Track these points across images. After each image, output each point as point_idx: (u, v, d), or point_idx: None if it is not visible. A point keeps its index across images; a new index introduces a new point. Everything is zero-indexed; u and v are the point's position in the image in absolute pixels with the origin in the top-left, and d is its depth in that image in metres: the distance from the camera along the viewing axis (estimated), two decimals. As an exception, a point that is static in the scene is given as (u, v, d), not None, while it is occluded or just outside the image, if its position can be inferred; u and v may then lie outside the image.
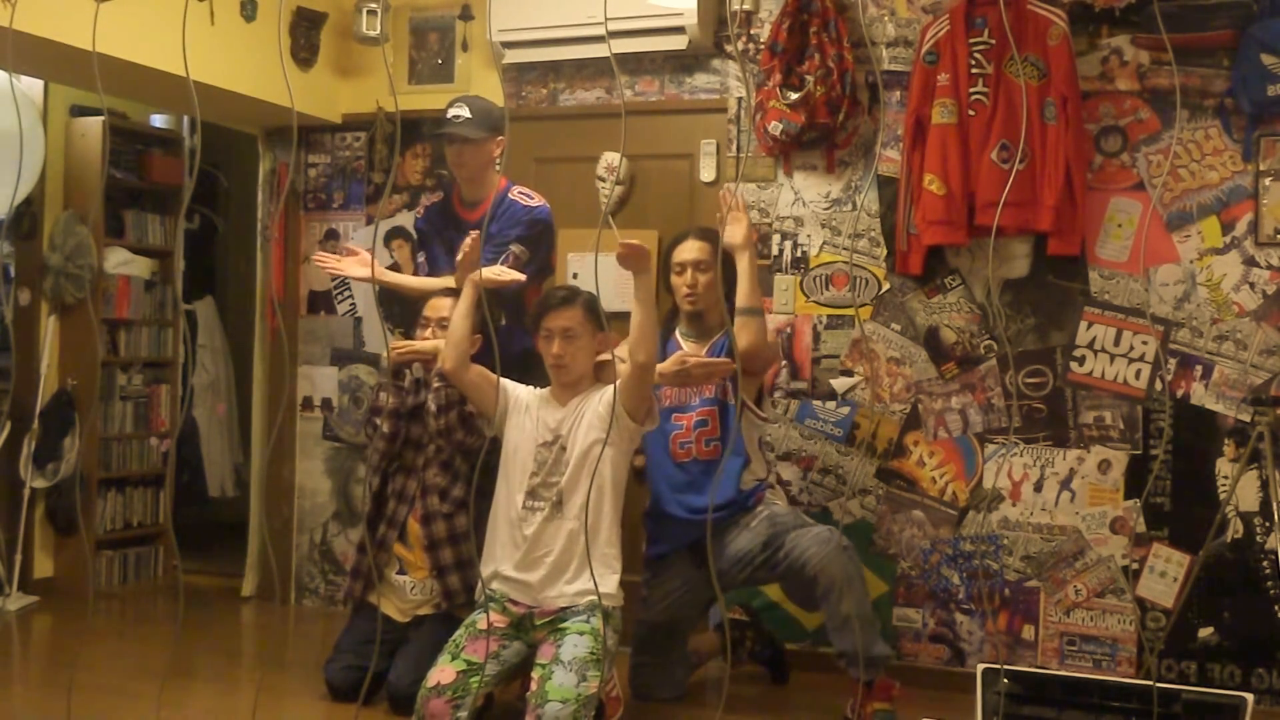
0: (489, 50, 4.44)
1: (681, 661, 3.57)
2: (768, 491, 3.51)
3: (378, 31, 4.45)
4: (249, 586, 4.93)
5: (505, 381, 3.33)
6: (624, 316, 3.33)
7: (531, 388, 3.34)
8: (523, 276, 3.46)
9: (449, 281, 3.57)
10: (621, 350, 3.25)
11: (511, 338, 3.60)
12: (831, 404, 3.98)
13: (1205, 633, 3.57)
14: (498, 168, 3.69)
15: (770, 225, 4.08)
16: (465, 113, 3.60)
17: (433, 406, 3.46)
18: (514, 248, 3.54)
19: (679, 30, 4.08)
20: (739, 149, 4.13)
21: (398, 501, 3.53)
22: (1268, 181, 3.56)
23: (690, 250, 3.48)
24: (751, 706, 3.59)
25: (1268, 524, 3.49)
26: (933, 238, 3.73)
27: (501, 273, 3.43)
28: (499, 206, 3.61)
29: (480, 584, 3.29)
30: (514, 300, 3.60)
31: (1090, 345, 3.72)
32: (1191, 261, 3.63)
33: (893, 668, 3.80)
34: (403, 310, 4.39)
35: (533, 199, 3.64)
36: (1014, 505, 3.78)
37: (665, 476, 3.48)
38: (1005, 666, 3.39)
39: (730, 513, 3.41)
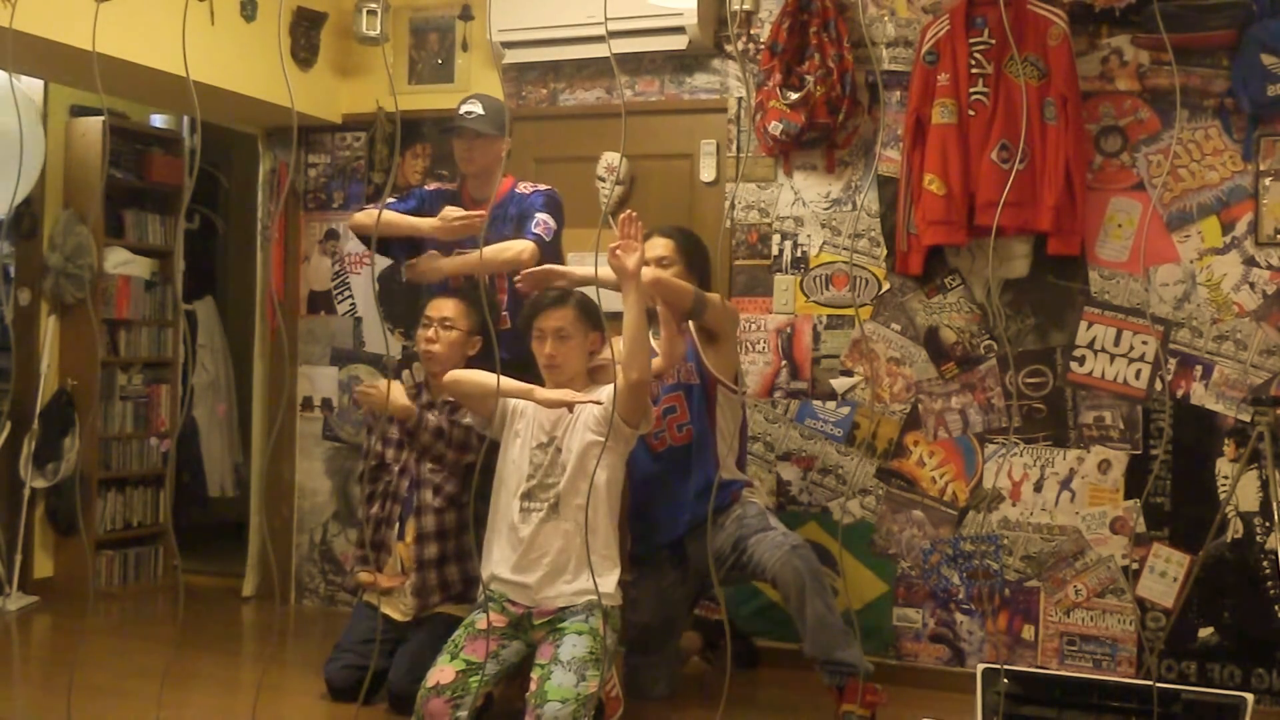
0: (489, 50, 4.44)
1: (674, 659, 3.59)
2: (744, 490, 3.51)
3: (378, 31, 4.45)
4: (249, 586, 4.93)
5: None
6: (622, 317, 3.33)
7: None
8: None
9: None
10: (617, 347, 3.25)
11: (519, 340, 3.58)
12: (831, 404, 3.98)
13: (1205, 633, 3.57)
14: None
15: (770, 225, 4.08)
16: (478, 109, 3.62)
17: (429, 430, 3.46)
18: (540, 215, 3.56)
19: (679, 30, 4.08)
20: (739, 149, 4.13)
21: (393, 501, 3.53)
22: (1268, 181, 3.56)
23: (655, 247, 3.48)
24: (750, 706, 3.59)
25: (1268, 524, 3.48)
26: (933, 238, 3.73)
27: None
28: (509, 201, 3.63)
29: (480, 584, 3.29)
30: (521, 301, 3.57)
31: (1090, 345, 3.72)
32: (1191, 261, 3.63)
33: (893, 668, 3.81)
34: (405, 310, 4.39)
35: (539, 185, 3.70)
36: (1014, 505, 3.78)
37: (644, 470, 3.50)
38: (1005, 666, 3.39)
39: (715, 506, 3.40)
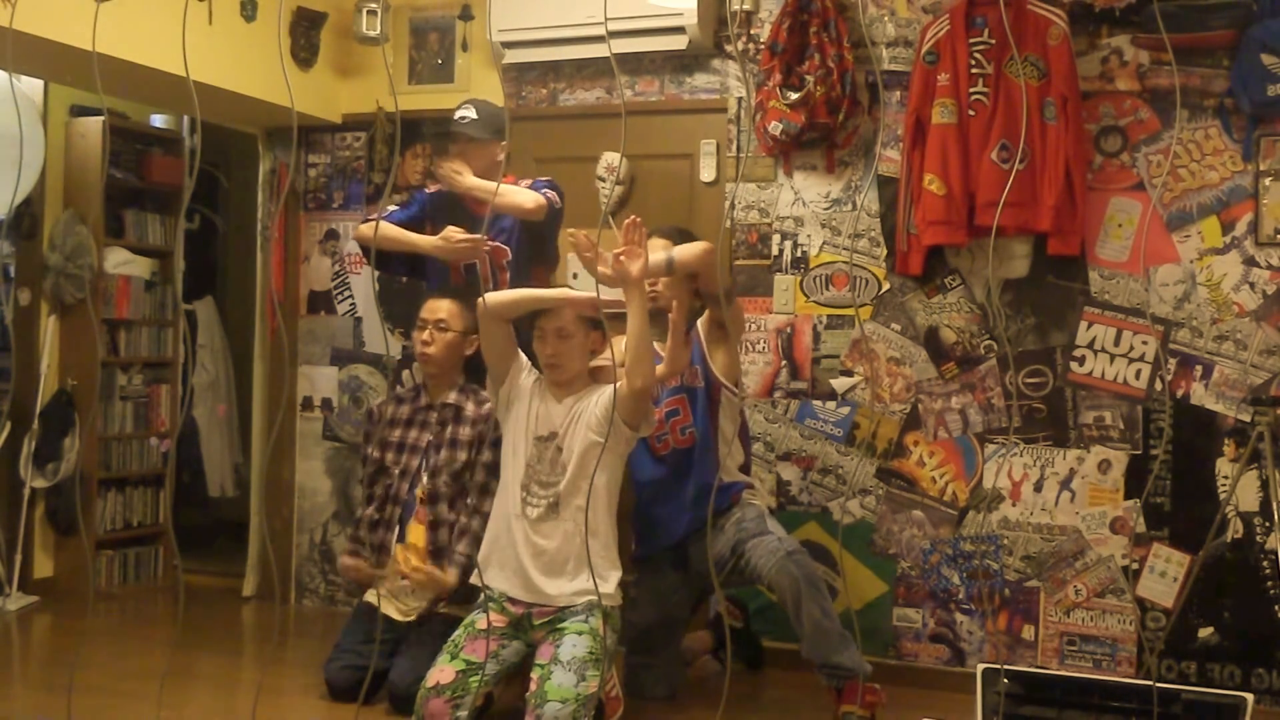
0: (489, 50, 4.44)
1: (675, 660, 3.59)
2: (744, 492, 3.51)
3: (378, 31, 4.44)
4: (249, 586, 4.93)
5: (522, 360, 3.31)
6: (622, 317, 3.32)
7: (533, 375, 3.33)
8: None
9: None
10: (618, 347, 3.25)
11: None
12: (831, 404, 3.98)
13: (1205, 633, 3.57)
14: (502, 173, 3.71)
15: (770, 225, 4.08)
16: (471, 113, 3.64)
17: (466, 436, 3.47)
18: (546, 190, 3.58)
19: (679, 30, 4.08)
20: (739, 149, 4.13)
21: (393, 504, 3.53)
22: (1268, 181, 3.56)
23: (653, 248, 3.46)
24: (751, 706, 3.59)
25: (1268, 524, 3.48)
26: (933, 238, 3.73)
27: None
28: None
29: (481, 581, 3.29)
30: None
31: (1090, 345, 3.72)
32: (1191, 261, 3.63)
33: (893, 668, 3.81)
34: (405, 310, 4.38)
35: (539, 178, 3.72)
36: (1014, 505, 3.78)
37: (646, 473, 3.49)
38: (1005, 666, 3.39)
39: (715, 509, 3.39)
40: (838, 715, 3.25)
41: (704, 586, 3.55)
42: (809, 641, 3.22)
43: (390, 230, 3.65)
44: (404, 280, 4.43)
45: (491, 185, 3.54)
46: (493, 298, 3.26)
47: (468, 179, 3.58)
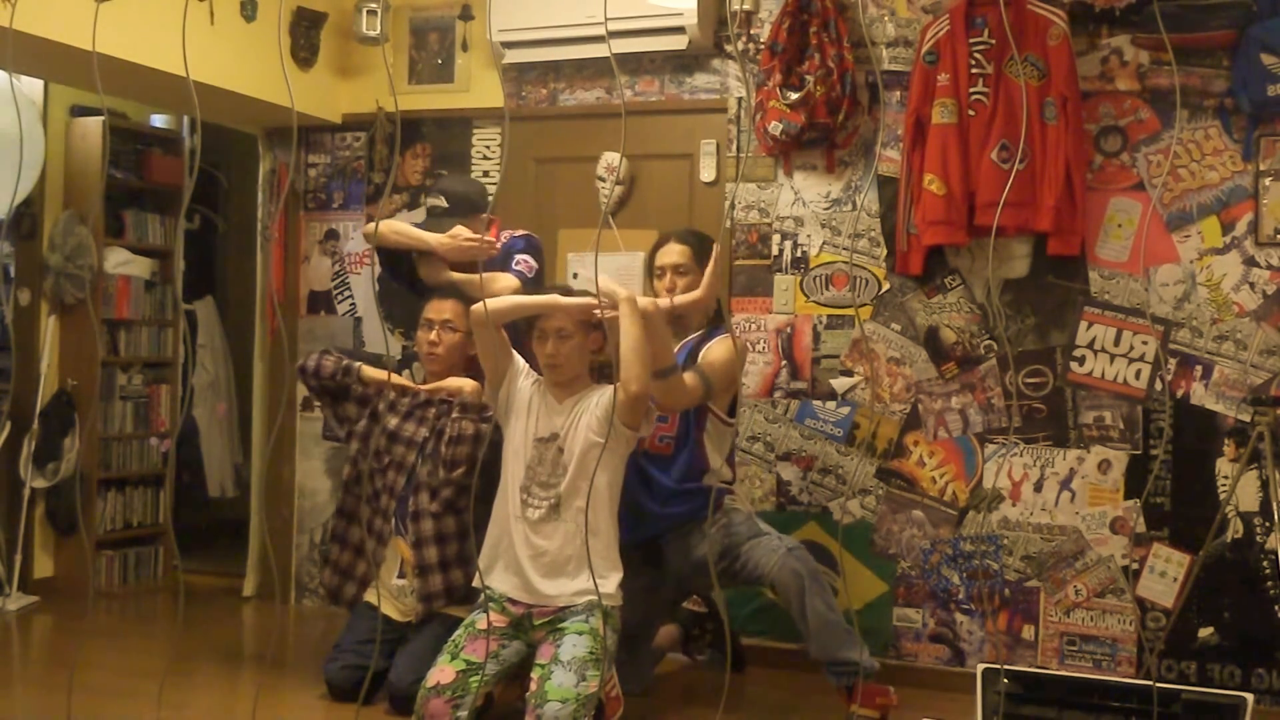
0: (489, 50, 4.44)
1: (646, 657, 3.60)
2: (726, 498, 3.48)
3: (378, 31, 4.45)
4: (249, 586, 4.93)
5: (519, 364, 3.32)
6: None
7: (533, 377, 3.33)
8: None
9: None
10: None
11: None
12: (831, 404, 3.98)
13: (1205, 633, 3.57)
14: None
15: (770, 225, 4.08)
16: (442, 203, 3.73)
17: (450, 433, 3.48)
18: (520, 255, 3.68)
19: (679, 30, 4.09)
20: (739, 149, 4.13)
21: (389, 497, 3.53)
22: (1268, 181, 3.56)
23: (670, 254, 3.46)
24: (751, 706, 3.59)
25: (1268, 524, 3.49)
26: (933, 238, 3.73)
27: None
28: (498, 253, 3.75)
29: (481, 582, 3.29)
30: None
31: (1090, 345, 3.72)
32: (1191, 261, 3.63)
33: (893, 668, 3.81)
34: (405, 310, 4.39)
35: (518, 231, 3.81)
36: (1014, 505, 3.78)
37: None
38: (1005, 666, 3.39)
39: (689, 511, 3.36)
40: (847, 716, 3.25)
41: (680, 588, 3.56)
42: (815, 639, 3.20)
43: (400, 225, 3.79)
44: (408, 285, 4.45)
45: (471, 278, 3.61)
46: (490, 303, 3.26)
47: (446, 275, 3.66)
